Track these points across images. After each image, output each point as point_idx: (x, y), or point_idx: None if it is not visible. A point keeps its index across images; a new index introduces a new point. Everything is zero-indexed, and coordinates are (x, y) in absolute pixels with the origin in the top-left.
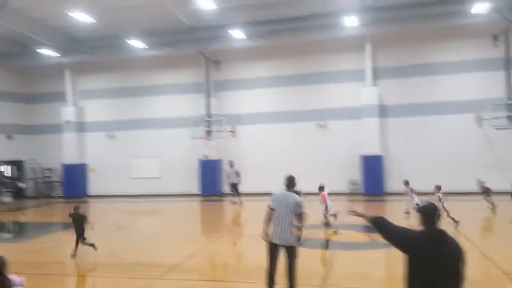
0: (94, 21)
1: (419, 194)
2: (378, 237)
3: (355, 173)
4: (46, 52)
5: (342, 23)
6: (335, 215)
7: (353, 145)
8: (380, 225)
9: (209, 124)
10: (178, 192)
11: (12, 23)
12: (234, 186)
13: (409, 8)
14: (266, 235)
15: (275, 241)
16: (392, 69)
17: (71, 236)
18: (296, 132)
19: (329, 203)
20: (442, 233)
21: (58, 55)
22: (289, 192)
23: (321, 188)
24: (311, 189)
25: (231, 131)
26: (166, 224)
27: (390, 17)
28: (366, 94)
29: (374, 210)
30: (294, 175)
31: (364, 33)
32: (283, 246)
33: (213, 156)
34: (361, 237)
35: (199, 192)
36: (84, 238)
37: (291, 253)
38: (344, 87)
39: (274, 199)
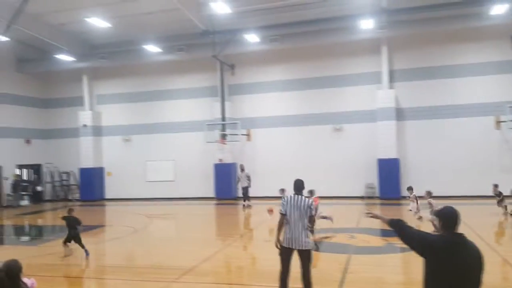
0: (110, 25)
1: (421, 199)
2: (395, 241)
3: (371, 177)
4: (64, 57)
5: (358, 25)
6: (326, 218)
7: (369, 148)
8: (398, 228)
9: (223, 127)
10: (192, 196)
11: (31, 29)
12: (244, 190)
13: (426, 10)
14: (278, 242)
15: (288, 245)
16: (409, 72)
17: (88, 239)
18: (311, 135)
19: (319, 207)
20: (462, 237)
21: (76, 60)
22: (299, 196)
23: (311, 192)
24: (329, 193)
25: (246, 135)
26: (181, 227)
27: (407, 19)
28: (382, 97)
29: (390, 214)
30: (302, 179)
31: (380, 36)
32: (297, 250)
33: (227, 159)
34: (377, 241)
35: (213, 196)
36: (69, 242)
37: (306, 256)
38: (360, 90)
39: (285, 204)
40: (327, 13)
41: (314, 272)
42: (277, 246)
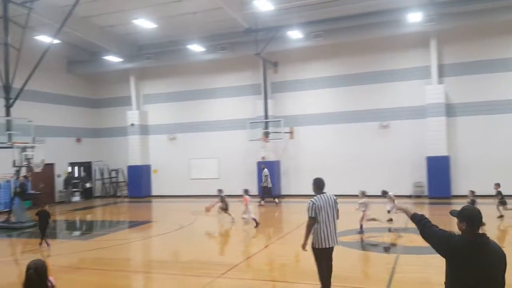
0: (155, 26)
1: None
2: None
3: (420, 175)
4: (112, 58)
5: (405, 19)
6: (255, 219)
7: (417, 145)
8: (421, 225)
9: (266, 125)
10: (236, 193)
11: (80, 31)
12: (265, 189)
13: (476, 1)
14: (306, 244)
15: (328, 245)
16: (459, 66)
17: (136, 234)
18: (357, 133)
19: (250, 207)
20: (485, 238)
21: (123, 61)
22: (324, 194)
23: (246, 191)
24: (375, 192)
25: (289, 133)
26: (225, 224)
27: (456, 11)
28: (432, 92)
29: (439, 213)
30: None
31: (428, 29)
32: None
33: (270, 157)
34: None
35: (257, 193)
36: (44, 233)
37: (332, 252)
38: (408, 85)
39: (317, 207)
40: (373, 7)
41: (361, 272)
42: (304, 248)
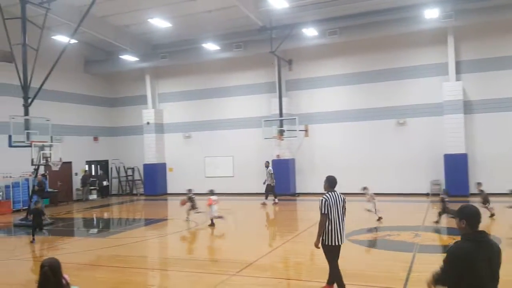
0: (170, 25)
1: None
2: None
3: (437, 173)
4: (128, 58)
5: (422, 15)
6: (221, 217)
7: (435, 143)
8: (440, 280)
9: (281, 123)
10: (251, 191)
11: (97, 31)
12: (268, 187)
13: None
14: (319, 242)
15: (340, 242)
16: (477, 62)
17: (152, 231)
18: (373, 130)
19: (215, 207)
20: (485, 234)
21: (139, 60)
22: (335, 192)
23: (211, 191)
24: (392, 190)
25: (304, 130)
26: (240, 222)
27: (474, 7)
28: (449, 89)
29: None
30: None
31: (445, 25)
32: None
33: (285, 155)
34: (443, 239)
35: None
36: (41, 229)
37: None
38: (425, 82)
39: (329, 204)
40: (389, 4)
41: (378, 271)
42: (317, 246)
